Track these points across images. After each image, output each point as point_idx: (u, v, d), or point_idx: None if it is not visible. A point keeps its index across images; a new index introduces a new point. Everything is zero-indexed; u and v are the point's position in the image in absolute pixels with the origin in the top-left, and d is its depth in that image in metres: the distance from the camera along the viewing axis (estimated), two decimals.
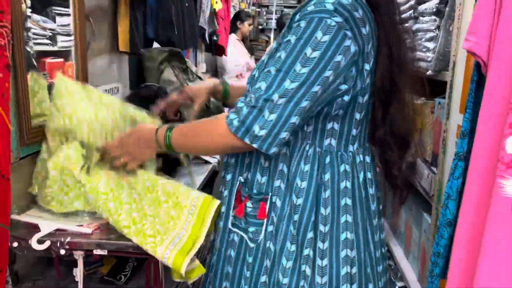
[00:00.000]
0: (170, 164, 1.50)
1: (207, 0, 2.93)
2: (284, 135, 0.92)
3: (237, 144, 0.94)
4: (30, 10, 1.70)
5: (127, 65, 1.85)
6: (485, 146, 0.89)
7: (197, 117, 1.22)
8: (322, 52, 0.90)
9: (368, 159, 1.08)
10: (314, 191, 1.00)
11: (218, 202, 1.09)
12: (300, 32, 0.91)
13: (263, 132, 0.91)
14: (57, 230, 1.08)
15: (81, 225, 1.10)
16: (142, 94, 1.63)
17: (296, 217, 1.00)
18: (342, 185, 1.01)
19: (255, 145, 0.92)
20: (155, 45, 2.15)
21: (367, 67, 0.97)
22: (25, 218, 1.12)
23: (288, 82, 0.90)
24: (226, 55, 3.84)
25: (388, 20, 1.00)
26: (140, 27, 1.86)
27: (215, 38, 3.50)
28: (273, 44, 1.07)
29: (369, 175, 1.06)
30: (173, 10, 2.12)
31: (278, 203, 1.01)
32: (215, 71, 4.15)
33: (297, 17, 0.95)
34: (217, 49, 3.68)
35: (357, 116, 1.02)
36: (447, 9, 1.43)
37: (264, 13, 8.18)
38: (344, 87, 0.95)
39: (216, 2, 3.13)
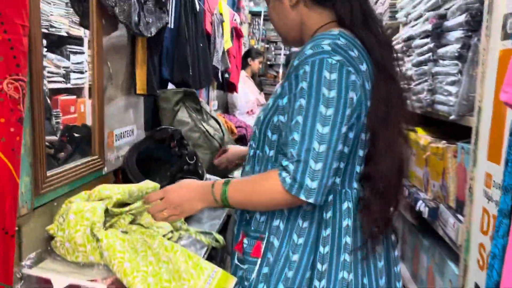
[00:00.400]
0: None
1: (220, 39, 2.96)
2: (330, 182, 0.95)
3: (294, 201, 0.95)
4: (45, 49, 1.72)
5: (142, 107, 1.83)
6: None
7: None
8: (337, 90, 0.93)
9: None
10: (315, 230, 1.01)
11: (234, 280, 1.05)
12: (308, 76, 0.94)
13: (315, 184, 0.92)
14: (70, 286, 1.02)
15: (95, 280, 1.05)
16: (156, 137, 1.61)
17: (295, 257, 1.00)
18: (344, 223, 1.01)
19: (311, 200, 0.93)
20: (170, 85, 2.14)
21: (368, 103, 0.99)
22: (37, 272, 1.07)
23: (319, 126, 0.92)
24: (237, 92, 3.85)
25: (382, 61, 1.03)
26: (157, 69, 1.85)
27: (226, 75, 3.52)
28: (277, 88, 1.09)
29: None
30: (188, 51, 2.13)
31: (276, 243, 1.02)
32: (226, 107, 4.15)
33: (296, 62, 0.98)
34: (228, 86, 3.69)
35: (360, 153, 1.03)
36: (469, 54, 1.41)
37: (273, 49, 8.29)
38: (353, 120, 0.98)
39: (226, 41, 3.16)
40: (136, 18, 1.43)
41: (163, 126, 1.72)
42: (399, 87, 1.07)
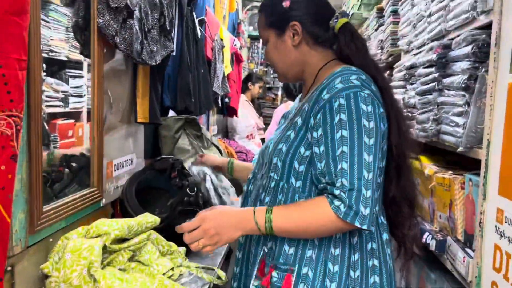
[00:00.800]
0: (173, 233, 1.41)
1: (221, 65, 2.95)
2: (375, 209, 1.00)
3: (346, 227, 0.99)
4: (44, 73, 1.70)
5: (143, 135, 1.80)
6: None
7: None
8: (374, 121, 1.00)
9: (383, 220, 1.14)
10: (347, 255, 1.05)
11: None
12: (346, 108, 0.99)
13: (368, 211, 0.97)
14: None
15: None
16: (157, 167, 1.57)
17: (333, 285, 1.03)
18: (369, 246, 1.08)
19: (364, 226, 0.97)
20: (171, 112, 2.12)
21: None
22: None
23: (366, 155, 0.98)
24: (237, 117, 3.83)
25: (391, 97, 1.13)
26: (159, 96, 1.83)
27: (226, 100, 3.50)
28: (297, 118, 1.11)
29: (386, 236, 1.13)
30: (190, 78, 2.11)
31: (310, 273, 1.03)
32: (226, 132, 4.13)
33: (325, 94, 1.03)
34: (228, 111, 3.67)
35: (379, 180, 1.05)
36: (477, 85, 1.39)
37: (272, 72, 8.33)
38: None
39: (226, 67, 3.15)
40: (139, 47, 1.41)
41: (163, 156, 1.68)
42: (405, 117, 1.17)
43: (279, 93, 7.68)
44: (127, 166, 1.65)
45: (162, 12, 1.53)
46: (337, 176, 0.98)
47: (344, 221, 0.96)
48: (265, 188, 1.14)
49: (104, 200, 1.44)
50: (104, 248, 1.12)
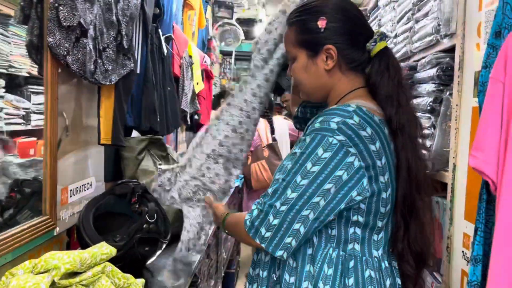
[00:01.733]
0: (132, 262, 1.35)
1: (189, 82, 2.90)
2: (288, 240, 0.99)
3: (252, 242, 1.03)
4: (3, 90, 1.60)
5: (103, 157, 1.72)
6: (505, 281, 0.78)
7: None
8: (322, 167, 0.96)
9: (395, 264, 1.07)
10: None
11: None
12: (305, 146, 0.99)
13: (268, 234, 1.00)
14: None
15: None
16: (117, 192, 1.49)
17: None
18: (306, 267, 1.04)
19: (263, 245, 1.01)
20: (134, 133, 2.04)
21: (382, 179, 0.99)
22: None
23: (289, 191, 0.98)
24: None
25: (408, 142, 1.02)
26: (124, 117, 1.76)
27: (196, 117, 3.44)
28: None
29: (398, 280, 1.06)
30: (156, 97, 2.05)
31: None
32: None
33: (309, 128, 1.03)
34: (198, 128, 3.61)
35: (379, 223, 1.03)
36: (442, 108, 1.38)
37: None
38: (358, 198, 0.98)
39: (198, 84, 3.10)
40: (92, 67, 1.34)
41: (124, 180, 1.60)
42: (423, 167, 1.06)
43: None
44: (85, 190, 1.56)
45: (119, 30, 1.47)
46: (263, 196, 1.04)
47: (246, 233, 1.03)
48: None
49: (58, 228, 1.36)
50: (53, 284, 1.04)
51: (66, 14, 1.20)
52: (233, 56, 7.36)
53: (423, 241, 1.05)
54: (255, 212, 1.03)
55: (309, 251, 1.03)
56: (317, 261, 1.02)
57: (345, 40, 1.05)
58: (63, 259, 1.07)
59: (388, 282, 1.03)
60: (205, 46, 4.11)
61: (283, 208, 0.98)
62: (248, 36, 6.61)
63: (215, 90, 4.96)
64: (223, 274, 2.96)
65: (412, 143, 1.02)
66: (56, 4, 1.20)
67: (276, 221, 0.99)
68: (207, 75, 3.62)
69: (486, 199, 0.89)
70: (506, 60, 0.82)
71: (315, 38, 1.05)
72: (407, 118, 1.02)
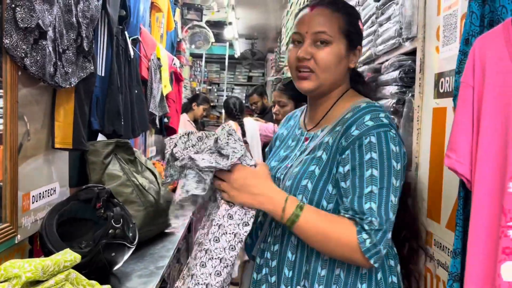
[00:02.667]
0: (98, 268, 1.32)
1: (158, 84, 2.87)
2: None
3: (360, 261, 0.99)
4: None
5: (67, 162, 1.68)
6: (479, 273, 0.81)
7: None
8: (401, 163, 1.02)
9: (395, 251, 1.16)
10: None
11: None
12: (377, 147, 1.00)
13: (384, 251, 1.00)
14: None
15: None
16: (81, 197, 1.46)
17: None
18: (389, 280, 1.10)
19: (376, 264, 0.99)
20: (100, 136, 2.00)
21: None
22: None
23: (393, 197, 0.99)
24: None
25: None
26: (86, 120, 1.72)
27: (166, 120, 3.41)
28: (319, 153, 1.09)
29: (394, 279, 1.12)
30: (121, 100, 2.01)
31: None
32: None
33: (354, 130, 1.02)
34: (167, 131, 3.58)
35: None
36: (405, 109, 1.42)
37: (215, 90, 8.32)
38: None
39: (165, 86, 3.07)
40: (52, 69, 1.31)
41: (89, 184, 1.56)
42: None
43: (223, 111, 7.68)
44: (48, 196, 1.52)
45: (79, 32, 1.44)
46: (365, 214, 0.98)
47: (362, 254, 0.97)
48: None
49: (19, 236, 1.31)
50: None
51: (24, 15, 1.16)
52: (203, 59, 7.34)
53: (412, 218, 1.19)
54: (373, 232, 0.97)
55: None
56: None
57: (361, 47, 1.17)
58: (24, 268, 1.04)
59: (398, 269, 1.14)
60: (174, 48, 4.08)
61: (394, 217, 1.00)
62: (218, 38, 6.61)
63: (185, 93, 4.94)
64: None
65: None
66: (13, 5, 1.16)
67: (390, 234, 1.00)
68: (176, 78, 3.59)
69: (463, 196, 0.92)
70: (474, 65, 0.85)
71: (358, 35, 1.14)
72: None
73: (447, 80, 1.16)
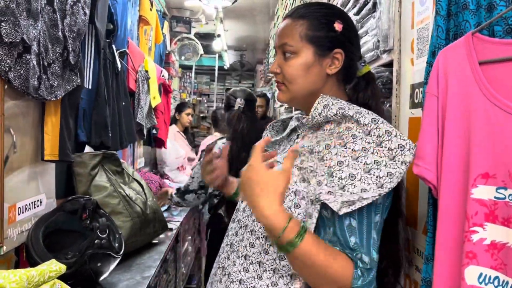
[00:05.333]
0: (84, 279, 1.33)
1: (145, 96, 2.90)
2: None
3: None
4: None
5: (54, 173, 1.69)
6: (446, 277, 0.85)
7: None
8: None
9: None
10: None
11: None
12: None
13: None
14: None
15: None
16: (67, 208, 1.48)
17: None
18: None
19: None
20: (87, 148, 2.02)
21: None
22: None
23: (374, 233, 0.93)
24: (166, 148, 3.76)
25: None
26: (72, 132, 1.74)
27: (154, 131, 3.43)
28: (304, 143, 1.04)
29: None
30: (108, 112, 2.04)
31: None
32: (155, 163, 4.03)
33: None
34: (156, 142, 3.60)
35: None
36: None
37: (205, 101, 8.36)
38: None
39: (154, 98, 3.10)
40: (36, 83, 1.34)
41: (75, 196, 1.58)
42: None
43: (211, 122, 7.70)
44: (35, 208, 1.54)
45: (65, 46, 1.47)
46: (353, 249, 0.92)
47: None
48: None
49: (5, 247, 1.32)
50: None
51: (9, 31, 1.19)
52: (193, 70, 7.39)
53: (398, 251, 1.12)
54: (366, 272, 0.91)
55: None
56: None
57: (351, 50, 1.06)
58: (9, 278, 1.06)
59: None
60: (163, 60, 4.12)
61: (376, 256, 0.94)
62: (207, 50, 6.67)
63: (174, 104, 4.96)
64: None
65: None
66: None
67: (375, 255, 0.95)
68: (164, 89, 3.63)
69: (432, 203, 0.96)
70: (438, 75, 0.90)
71: (329, 38, 1.03)
72: None
73: (421, 91, 1.21)
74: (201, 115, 8.15)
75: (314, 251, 0.88)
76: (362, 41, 1.69)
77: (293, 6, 2.55)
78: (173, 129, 4.40)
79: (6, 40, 1.17)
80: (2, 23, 1.17)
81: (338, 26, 1.04)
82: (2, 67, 1.20)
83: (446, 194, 0.86)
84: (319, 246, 0.90)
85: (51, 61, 1.41)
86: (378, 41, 1.48)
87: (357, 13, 1.72)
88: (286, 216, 0.87)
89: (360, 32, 1.71)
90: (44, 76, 1.37)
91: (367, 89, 1.09)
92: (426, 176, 0.91)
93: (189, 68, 7.25)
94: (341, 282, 0.90)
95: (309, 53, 1.02)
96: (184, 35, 5.07)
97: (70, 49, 1.49)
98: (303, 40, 1.03)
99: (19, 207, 1.42)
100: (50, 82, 1.41)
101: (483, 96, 0.82)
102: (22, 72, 1.26)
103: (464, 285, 0.79)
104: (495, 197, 0.79)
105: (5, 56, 1.20)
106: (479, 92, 0.83)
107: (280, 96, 1.08)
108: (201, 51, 5.44)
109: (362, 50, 1.66)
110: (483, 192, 0.80)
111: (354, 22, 1.75)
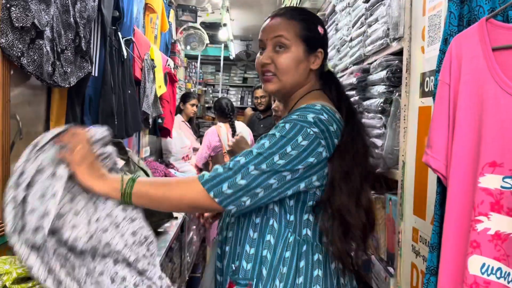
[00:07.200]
0: None
1: (151, 84, 2.88)
2: (245, 199, 1.06)
3: (202, 199, 1.05)
4: None
5: None
6: (451, 266, 0.84)
7: None
8: (299, 152, 1.07)
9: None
10: (292, 276, 1.11)
11: None
12: (285, 132, 1.08)
13: (229, 191, 1.04)
14: None
15: None
16: None
17: None
18: (315, 273, 1.12)
19: (216, 199, 1.04)
20: None
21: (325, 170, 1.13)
22: None
23: (264, 165, 1.05)
24: (171, 137, 3.75)
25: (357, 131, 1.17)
26: (78, 120, 1.74)
27: (159, 120, 3.42)
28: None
29: (341, 265, 1.14)
30: (114, 100, 2.03)
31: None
32: (160, 153, 4.02)
33: (281, 123, 1.12)
34: (161, 131, 3.59)
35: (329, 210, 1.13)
36: (392, 108, 1.44)
37: (211, 91, 8.33)
38: (316, 184, 1.11)
39: (160, 87, 3.09)
40: (50, 69, 1.33)
41: None
42: (365, 144, 1.20)
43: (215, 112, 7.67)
44: None
45: (77, 32, 1.46)
46: (232, 160, 1.08)
47: (203, 188, 1.04)
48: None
49: None
50: None
51: (19, 15, 1.18)
52: (198, 60, 7.35)
53: (361, 214, 1.14)
54: (221, 169, 1.05)
55: (268, 237, 1.13)
56: (278, 246, 1.12)
57: (326, 51, 1.26)
58: (15, 264, 1.06)
59: (333, 266, 1.15)
60: (169, 49, 4.09)
61: (254, 172, 1.04)
62: (213, 40, 6.62)
63: (180, 94, 4.94)
64: (187, 278, 2.95)
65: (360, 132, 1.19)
66: (8, 5, 1.18)
67: (243, 181, 1.04)
68: (170, 79, 3.61)
69: (439, 192, 0.94)
70: (451, 63, 0.88)
71: (316, 39, 1.21)
72: (350, 110, 1.21)
73: (432, 80, 1.19)
74: (206, 105, 8.11)
75: (152, 182, 1.13)
76: (371, 29, 1.67)
77: None
78: (178, 119, 4.39)
79: (17, 24, 1.16)
80: (12, 7, 1.16)
81: (321, 30, 1.23)
82: (14, 52, 1.19)
83: (455, 183, 0.84)
84: (156, 178, 1.13)
85: (64, 47, 1.40)
86: (388, 29, 1.45)
87: (366, 1, 1.70)
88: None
89: (369, 20, 1.68)
90: (57, 63, 1.36)
91: (333, 81, 1.27)
92: (432, 164, 0.90)
93: (194, 58, 7.21)
94: (186, 184, 1.07)
95: (300, 49, 1.19)
96: (190, 24, 5.03)
97: (81, 35, 1.48)
98: (297, 37, 1.18)
99: None
100: (64, 68, 1.40)
101: (495, 83, 0.80)
102: (35, 57, 1.25)
103: (467, 274, 0.78)
104: (501, 187, 0.78)
105: (16, 41, 1.19)
106: (491, 79, 0.81)
107: (270, 86, 1.21)
108: (207, 41, 5.40)
109: (372, 38, 1.64)
110: (490, 181, 0.79)
111: (363, 10, 1.73)
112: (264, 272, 1.11)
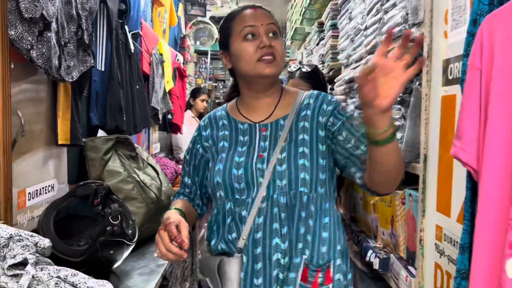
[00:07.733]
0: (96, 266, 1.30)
1: (160, 79, 2.83)
2: None
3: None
4: None
5: (65, 158, 1.64)
6: (485, 269, 0.76)
7: None
8: None
9: None
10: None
11: None
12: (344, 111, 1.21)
13: None
14: None
15: None
16: (79, 194, 1.42)
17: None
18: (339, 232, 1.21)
19: None
20: (100, 132, 1.97)
21: None
22: None
23: None
24: (181, 133, 3.70)
25: None
26: (84, 115, 1.69)
27: (169, 116, 3.37)
28: (300, 136, 1.20)
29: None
30: (122, 95, 1.98)
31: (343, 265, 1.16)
32: (170, 149, 3.98)
33: (328, 106, 1.20)
34: (171, 127, 3.54)
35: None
36: (412, 99, 1.36)
37: (221, 87, 8.28)
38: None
39: (168, 82, 3.03)
40: (57, 62, 1.27)
41: (87, 181, 1.53)
42: None
43: None
44: (46, 193, 1.49)
45: (79, 24, 1.40)
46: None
47: None
48: (299, 205, 1.16)
49: None
50: None
51: (28, 5, 1.13)
52: (208, 55, 7.30)
53: None
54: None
55: (327, 219, 1.16)
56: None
57: None
58: None
59: None
60: (178, 44, 4.04)
61: None
62: None
63: (190, 89, 4.89)
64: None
65: None
66: None
67: None
68: (179, 74, 3.56)
69: (470, 187, 0.87)
70: (482, 46, 0.80)
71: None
72: None
73: (456, 66, 1.11)
74: (217, 101, 8.07)
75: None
76: (388, 16, 1.58)
77: None
78: (188, 115, 4.34)
79: (26, 16, 1.11)
80: None
81: None
82: (23, 45, 1.13)
83: (489, 178, 0.76)
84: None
85: (67, 40, 1.35)
86: (407, 14, 1.37)
87: None
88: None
89: (386, 6, 1.60)
90: (62, 56, 1.31)
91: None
92: (462, 157, 0.82)
93: (204, 53, 7.15)
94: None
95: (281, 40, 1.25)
96: (199, 18, 4.97)
97: (84, 27, 1.42)
98: (279, 29, 1.24)
99: (29, 193, 1.38)
100: (67, 62, 1.35)
101: None
102: (44, 50, 1.20)
103: (504, 278, 0.71)
104: None
105: (25, 33, 1.13)
106: None
107: (274, 69, 1.19)
108: (216, 36, 5.34)
109: (389, 24, 1.55)
110: None
111: None
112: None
